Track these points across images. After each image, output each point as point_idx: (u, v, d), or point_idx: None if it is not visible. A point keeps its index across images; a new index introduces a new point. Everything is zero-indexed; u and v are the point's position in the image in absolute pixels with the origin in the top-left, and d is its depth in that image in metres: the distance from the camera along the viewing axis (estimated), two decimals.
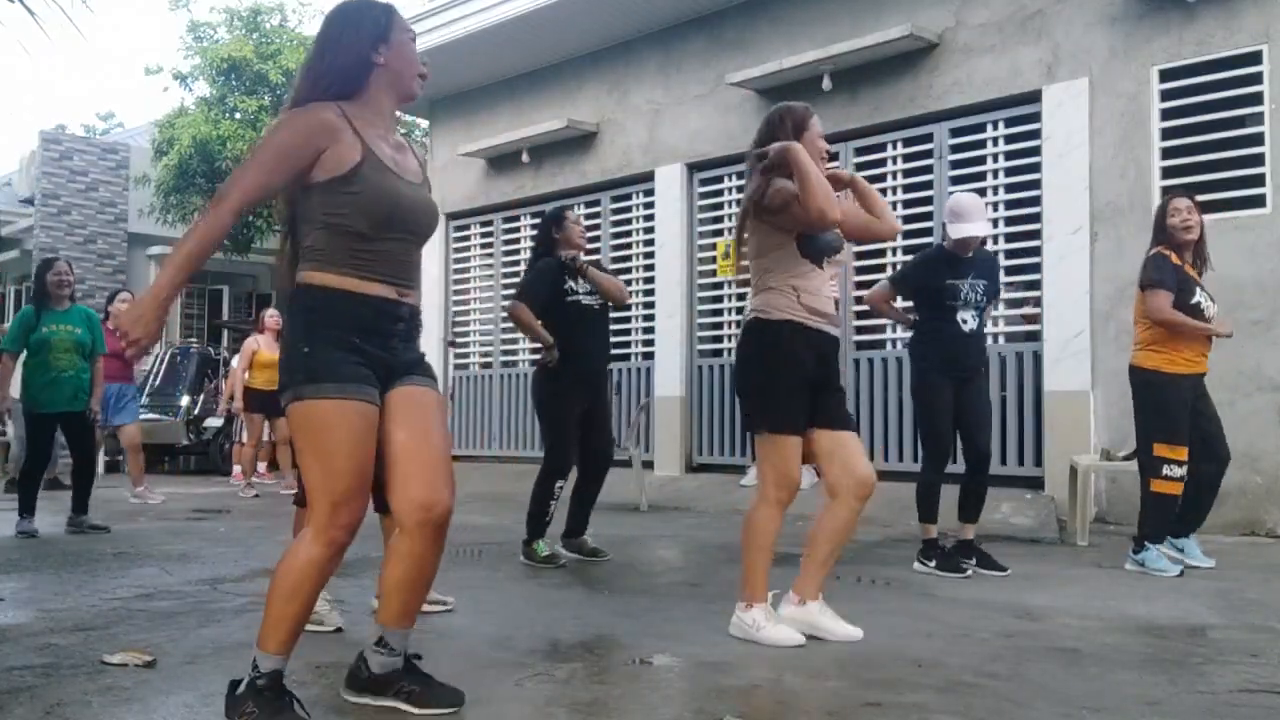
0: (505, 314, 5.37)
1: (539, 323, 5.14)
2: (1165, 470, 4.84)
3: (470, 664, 3.07)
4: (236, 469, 10.08)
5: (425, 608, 3.52)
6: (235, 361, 10.16)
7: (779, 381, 3.39)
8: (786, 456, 3.38)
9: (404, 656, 2.51)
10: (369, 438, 2.34)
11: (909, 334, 5.38)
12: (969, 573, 4.71)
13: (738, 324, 9.11)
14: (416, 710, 2.45)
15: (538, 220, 11.13)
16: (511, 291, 11.26)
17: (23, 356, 6.53)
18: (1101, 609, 3.99)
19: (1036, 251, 7.33)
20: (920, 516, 4.89)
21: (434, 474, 2.37)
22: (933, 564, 4.80)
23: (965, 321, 4.87)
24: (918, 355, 5.05)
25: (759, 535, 3.41)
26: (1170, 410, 4.88)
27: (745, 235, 3.47)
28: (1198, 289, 4.92)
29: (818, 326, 3.41)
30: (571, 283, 5.19)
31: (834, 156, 3.53)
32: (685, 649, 3.27)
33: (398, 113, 2.61)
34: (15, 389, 8.39)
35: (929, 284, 4.93)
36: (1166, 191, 6.66)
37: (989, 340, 7.36)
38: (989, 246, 7.41)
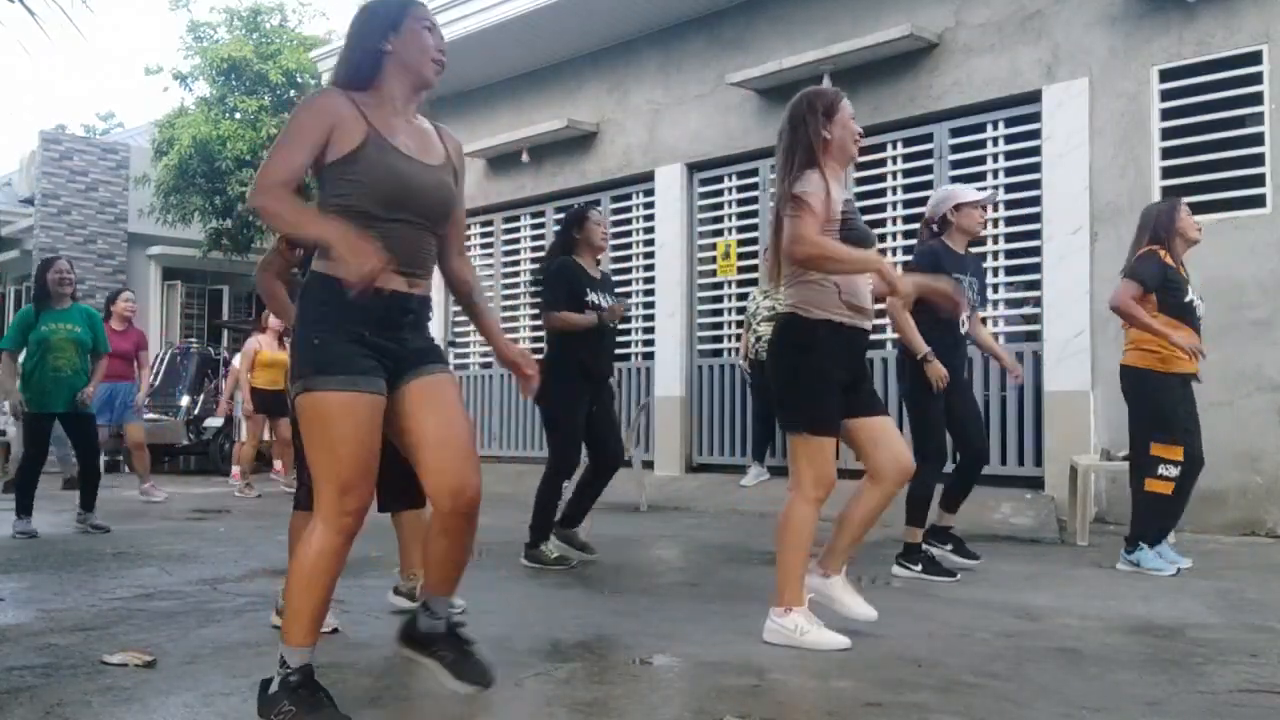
0: (542, 326, 5.31)
1: (574, 315, 5.08)
2: (1161, 470, 4.85)
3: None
4: (235, 469, 10.08)
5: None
6: (237, 361, 10.14)
7: (817, 382, 3.36)
8: (826, 456, 3.37)
9: (446, 622, 2.56)
10: (374, 428, 2.38)
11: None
12: (958, 576, 4.63)
13: (738, 324, 9.15)
14: (447, 677, 2.51)
15: (538, 220, 11.22)
16: (513, 291, 11.38)
17: (22, 356, 6.51)
18: (1101, 609, 3.99)
19: (1036, 251, 7.33)
20: (909, 519, 4.75)
21: (463, 460, 2.43)
22: (918, 568, 4.68)
23: (961, 322, 4.84)
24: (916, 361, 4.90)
25: (796, 534, 3.33)
26: (1165, 410, 4.88)
27: (780, 227, 3.36)
28: (1189, 288, 4.92)
29: (854, 323, 3.38)
30: (594, 295, 5.14)
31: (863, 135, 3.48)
32: (685, 649, 3.27)
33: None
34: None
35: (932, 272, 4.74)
36: (1167, 192, 6.69)
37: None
38: (987, 246, 7.48)
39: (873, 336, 3.63)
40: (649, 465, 9.21)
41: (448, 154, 2.58)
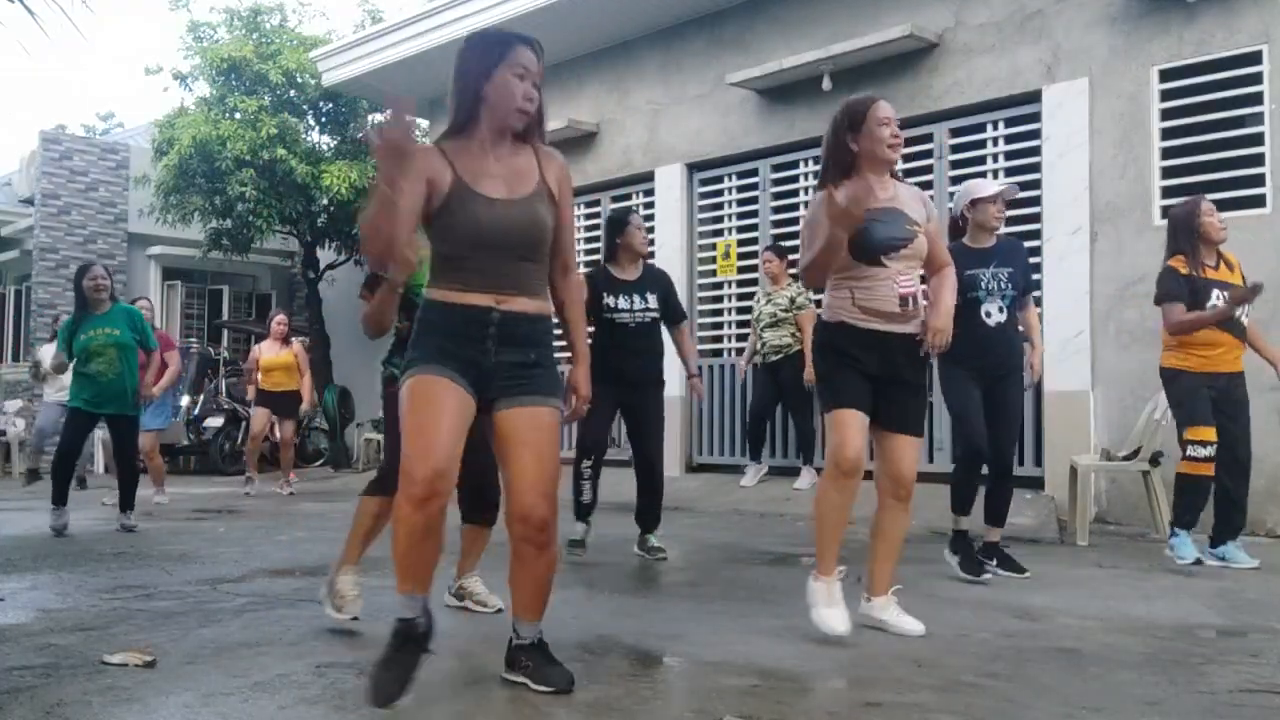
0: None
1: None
2: (1190, 451, 4.98)
3: (470, 663, 3.07)
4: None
5: (471, 606, 3.85)
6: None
7: (834, 368, 3.48)
8: (843, 432, 3.39)
9: (530, 640, 2.79)
10: (452, 407, 2.58)
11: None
12: (985, 578, 4.59)
13: (739, 324, 9.15)
14: (532, 684, 2.73)
15: None
16: None
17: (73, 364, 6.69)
18: (1101, 609, 3.99)
19: (1036, 252, 7.31)
20: (952, 506, 4.76)
21: (537, 493, 2.65)
22: (957, 559, 4.69)
23: (989, 315, 4.62)
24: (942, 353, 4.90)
25: (820, 511, 3.44)
26: (1186, 398, 5.03)
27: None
28: (1214, 290, 5.01)
29: (871, 327, 3.42)
30: (610, 299, 5.29)
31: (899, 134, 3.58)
32: (685, 649, 3.26)
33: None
34: (53, 392, 9.00)
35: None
36: (1167, 192, 6.70)
37: None
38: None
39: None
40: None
41: (543, 180, 2.75)
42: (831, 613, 3.35)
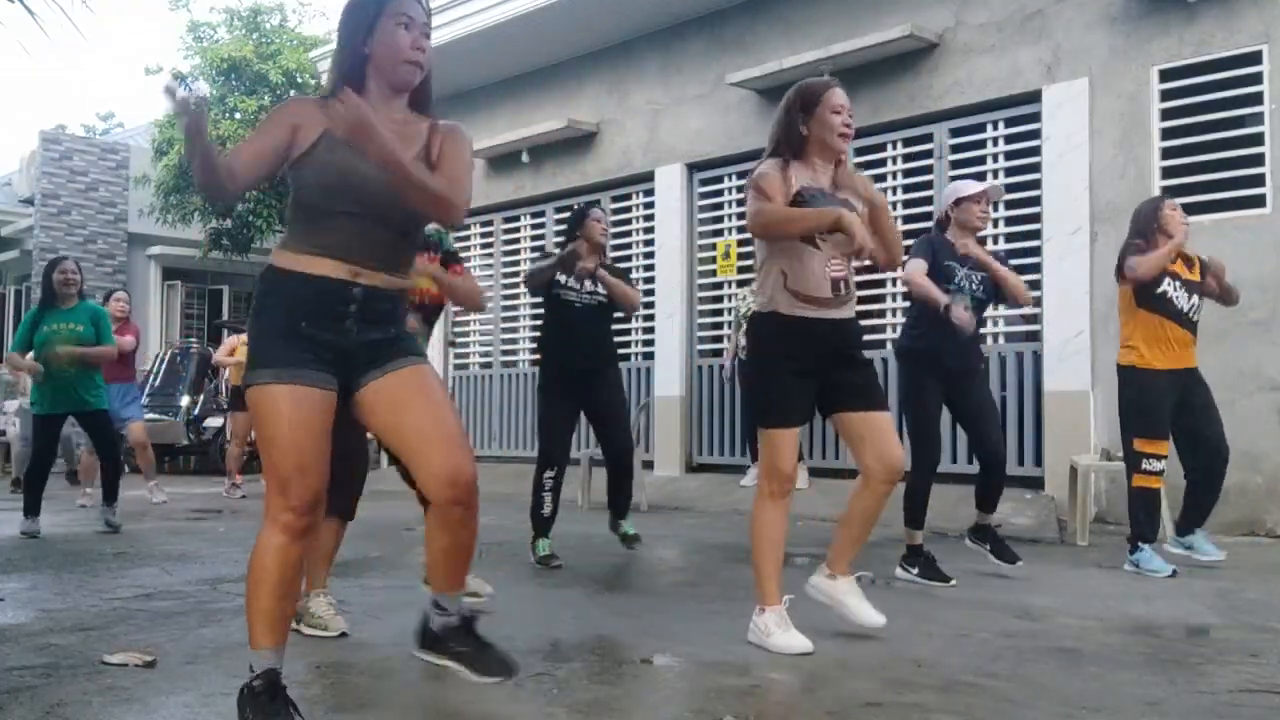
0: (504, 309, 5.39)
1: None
2: (1144, 464, 4.91)
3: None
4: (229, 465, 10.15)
5: (306, 630, 3.43)
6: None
7: (767, 375, 3.35)
8: (774, 450, 3.31)
9: (460, 617, 2.53)
10: (307, 420, 2.30)
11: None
12: (953, 582, 4.54)
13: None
14: (468, 673, 2.48)
15: (538, 220, 11.22)
16: (513, 292, 11.37)
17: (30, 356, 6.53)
18: (1101, 609, 3.99)
19: (1036, 251, 7.32)
20: (906, 520, 4.66)
21: (453, 447, 2.40)
22: (915, 571, 4.61)
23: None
24: (907, 351, 4.80)
25: (757, 531, 3.34)
26: (1145, 405, 4.93)
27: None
28: (1167, 279, 4.94)
29: (804, 314, 3.28)
30: (562, 279, 5.18)
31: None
32: (685, 649, 3.26)
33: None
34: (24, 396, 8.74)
35: (929, 261, 4.65)
36: (1167, 193, 6.69)
37: (989, 340, 7.37)
38: (990, 247, 7.46)
39: (869, 336, 3.54)
40: (649, 465, 9.21)
41: (427, 149, 2.45)
42: (790, 636, 3.23)
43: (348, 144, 2.34)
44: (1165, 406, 4.92)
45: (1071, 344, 7.02)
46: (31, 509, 6.40)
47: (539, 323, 5.92)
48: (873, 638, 3.40)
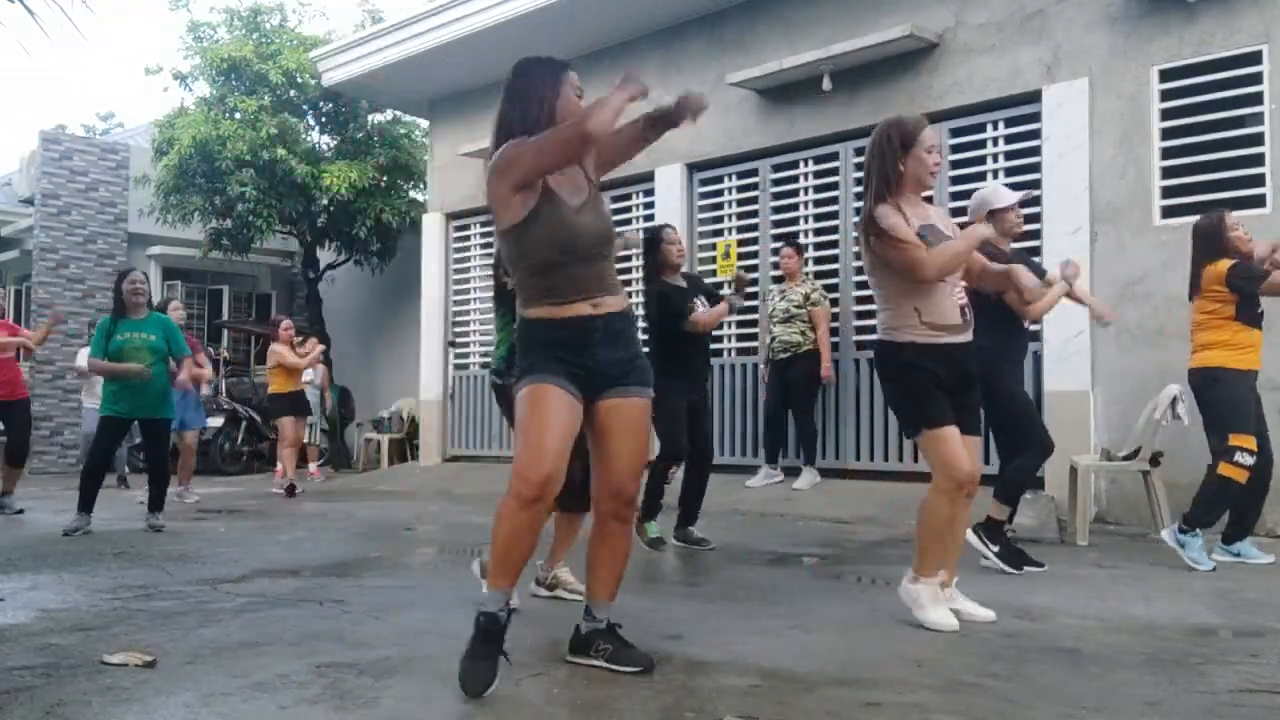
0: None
1: (708, 313, 5.66)
2: (1238, 457, 4.96)
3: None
4: (279, 466, 10.21)
5: (565, 595, 4.08)
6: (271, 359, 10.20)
7: (915, 386, 3.58)
8: (950, 447, 3.53)
9: (606, 622, 2.99)
10: (561, 414, 2.82)
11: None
12: (1023, 570, 4.71)
13: (739, 324, 9.15)
14: (612, 666, 2.91)
15: None
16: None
17: None
18: (1101, 609, 3.99)
19: (1036, 252, 7.30)
20: (997, 493, 4.97)
21: (628, 475, 2.95)
22: (996, 549, 4.79)
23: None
24: (996, 347, 4.92)
25: (925, 519, 3.58)
26: (1238, 400, 5.03)
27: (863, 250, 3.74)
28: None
29: (940, 341, 3.56)
30: (685, 306, 5.63)
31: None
32: (685, 649, 3.26)
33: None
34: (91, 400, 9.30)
35: None
36: (1167, 192, 6.70)
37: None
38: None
39: (875, 337, 3.77)
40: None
41: (588, 178, 3.02)
42: (941, 612, 3.52)
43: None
44: (1251, 399, 5.04)
45: (1071, 344, 7.02)
46: (84, 505, 6.59)
47: None
48: (873, 638, 3.40)
